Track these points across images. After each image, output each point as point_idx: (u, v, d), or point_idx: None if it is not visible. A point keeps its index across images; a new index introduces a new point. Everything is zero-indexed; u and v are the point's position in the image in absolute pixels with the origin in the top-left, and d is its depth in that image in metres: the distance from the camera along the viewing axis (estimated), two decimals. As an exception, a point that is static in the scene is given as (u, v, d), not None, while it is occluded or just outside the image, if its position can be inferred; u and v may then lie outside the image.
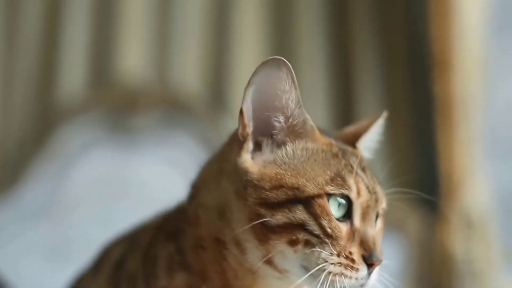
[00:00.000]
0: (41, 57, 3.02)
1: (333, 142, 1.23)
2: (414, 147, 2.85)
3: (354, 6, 3.01)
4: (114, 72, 2.98)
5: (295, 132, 1.19)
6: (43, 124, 2.94)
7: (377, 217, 1.23)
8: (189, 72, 2.97)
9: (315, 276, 1.13)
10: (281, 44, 3.00)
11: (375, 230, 1.20)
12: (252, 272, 1.19)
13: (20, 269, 2.39)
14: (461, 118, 2.73)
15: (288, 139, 1.19)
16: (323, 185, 1.14)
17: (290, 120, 1.19)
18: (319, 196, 1.14)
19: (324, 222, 1.13)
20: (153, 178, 2.76)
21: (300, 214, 1.13)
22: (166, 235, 1.29)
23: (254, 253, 1.17)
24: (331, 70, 2.97)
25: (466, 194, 2.69)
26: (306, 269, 1.14)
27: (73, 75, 2.97)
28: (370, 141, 1.36)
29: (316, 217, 1.13)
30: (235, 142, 1.21)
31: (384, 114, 1.36)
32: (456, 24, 2.76)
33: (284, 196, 1.14)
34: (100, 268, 1.44)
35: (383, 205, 1.24)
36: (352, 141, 1.31)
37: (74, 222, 2.71)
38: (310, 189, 1.14)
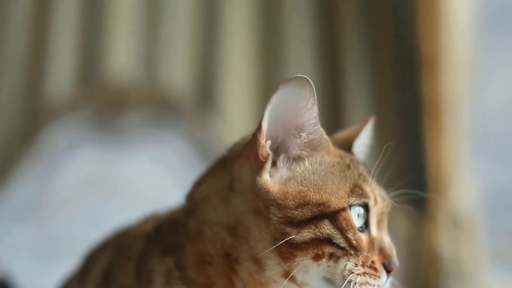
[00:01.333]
0: (29, 56, 3.01)
1: (343, 153, 1.23)
2: (402, 147, 2.86)
3: (342, 6, 3.01)
4: (102, 71, 2.98)
5: (312, 146, 1.19)
6: (30, 123, 2.94)
7: None
8: (177, 71, 2.97)
9: (339, 287, 1.14)
10: (270, 44, 2.99)
11: (388, 236, 1.21)
12: (263, 284, 1.19)
13: (7, 269, 2.38)
14: (449, 118, 2.74)
15: (304, 154, 1.19)
16: (346, 198, 1.15)
17: (310, 136, 1.18)
18: (344, 209, 1.14)
19: (350, 235, 1.14)
20: (141, 177, 2.76)
21: (327, 229, 1.13)
22: (162, 249, 1.26)
23: (274, 270, 1.16)
24: (319, 70, 2.97)
25: (454, 193, 2.70)
26: (329, 281, 1.15)
27: (61, 74, 2.97)
28: (361, 146, 1.36)
29: (342, 231, 1.14)
30: (247, 160, 1.19)
31: (373, 119, 1.37)
32: (445, 24, 2.76)
33: (310, 213, 1.13)
34: (86, 276, 1.42)
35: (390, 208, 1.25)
36: (346, 146, 1.31)
37: (62, 222, 2.70)
38: (335, 203, 1.14)
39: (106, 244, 1.46)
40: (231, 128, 2.80)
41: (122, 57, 2.98)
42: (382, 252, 1.17)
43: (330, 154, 1.20)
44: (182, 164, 2.69)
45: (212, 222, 1.21)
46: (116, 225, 1.49)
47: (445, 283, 2.65)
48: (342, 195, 1.15)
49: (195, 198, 1.26)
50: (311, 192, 1.15)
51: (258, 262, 1.17)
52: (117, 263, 1.34)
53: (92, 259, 1.46)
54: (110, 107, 2.89)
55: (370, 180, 1.20)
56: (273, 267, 1.16)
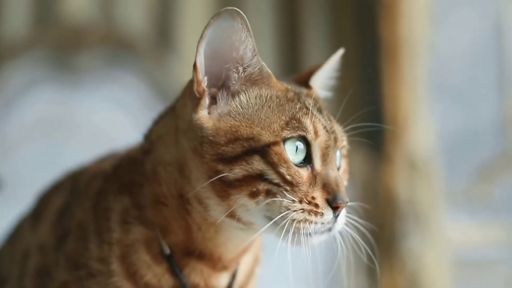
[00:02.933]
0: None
1: (290, 87, 1.20)
2: (360, 89, 2.87)
3: None
4: (59, 10, 2.92)
5: (252, 80, 1.17)
6: (-15, 64, 2.89)
7: (340, 160, 1.23)
8: (134, 11, 2.93)
9: (279, 225, 1.11)
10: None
11: (337, 171, 1.17)
12: (215, 225, 1.18)
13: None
14: (407, 61, 2.75)
15: (243, 88, 1.16)
16: (278, 132, 1.12)
17: (249, 69, 1.16)
18: (275, 143, 1.11)
19: (283, 170, 1.11)
20: (97, 117, 2.74)
21: (257, 164, 1.11)
22: (120, 187, 1.26)
23: (216, 209, 1.15)
24: (278, 13, 2.95)
25: (411, 136, 2.72)
26: (270, 219, 1.12)
27: (17, 13, 2.91)
28: (326, 78, 1.34)
29: (274, 166, 1.11)
30: (188, 98, 1.17)
31: (341, 51, 1.34)
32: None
33: (240, 149, 1.11)
34: (40, 216, 1.40)
35: (343, 143, 1.22)
36: (306, 80, 1.29)
37: (18, 163, 2.68)
38: (266, 137, 1.11)
39: (60, 184, 1.45)
40: (188, 68, 2.77)
41: (78, -4, 2.93)
42: (326, 187, 1.14)
43: (271, 88, 1.18)
44: (139, 104, 2.68)
45: (166, 163, 1.20)
46: (64, 170, 1.48)
47: (401, 224, 2.69)
48: (275, 129, 1.12)
49: (152, 137, 1.26)
50: (242, 126, 1.13)
51: (200, 202, 1.17)
52: (74, 201, 1.32)
53: (45, 200, 1.44)
54: (67, 47, 2.85)
55: (316, 113, 1.16)
56: (215, 207, 1.15)
